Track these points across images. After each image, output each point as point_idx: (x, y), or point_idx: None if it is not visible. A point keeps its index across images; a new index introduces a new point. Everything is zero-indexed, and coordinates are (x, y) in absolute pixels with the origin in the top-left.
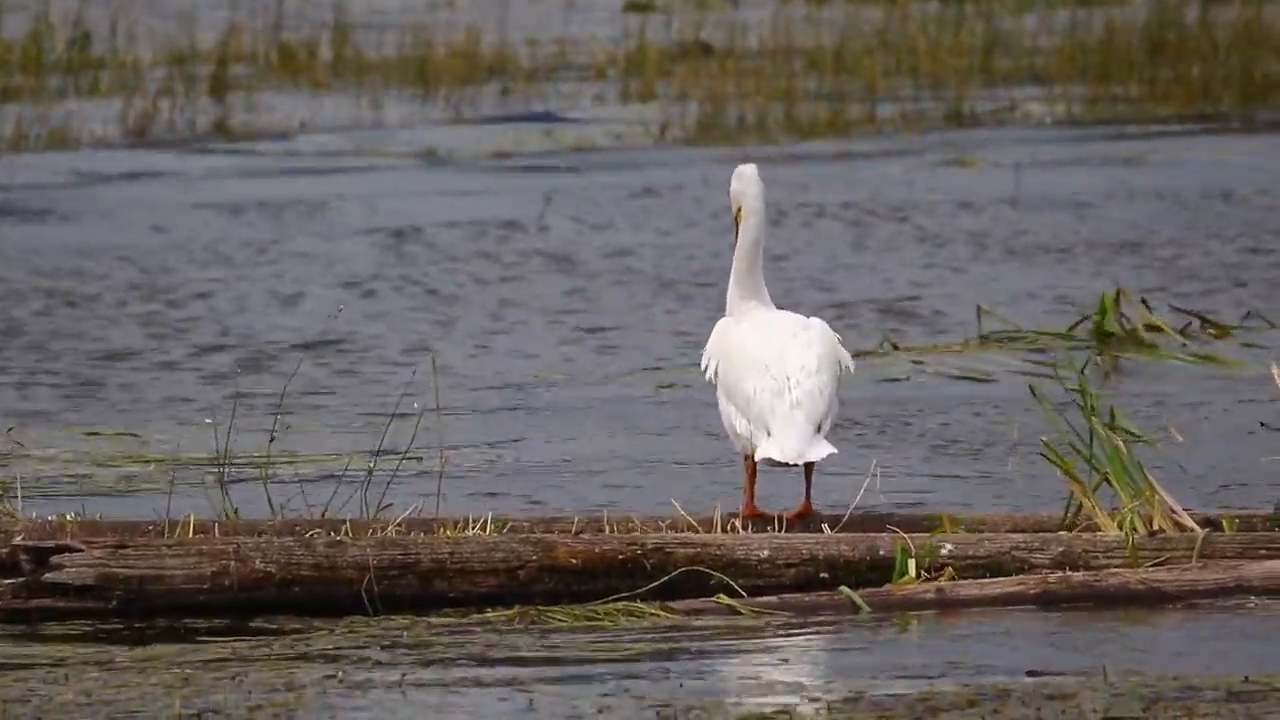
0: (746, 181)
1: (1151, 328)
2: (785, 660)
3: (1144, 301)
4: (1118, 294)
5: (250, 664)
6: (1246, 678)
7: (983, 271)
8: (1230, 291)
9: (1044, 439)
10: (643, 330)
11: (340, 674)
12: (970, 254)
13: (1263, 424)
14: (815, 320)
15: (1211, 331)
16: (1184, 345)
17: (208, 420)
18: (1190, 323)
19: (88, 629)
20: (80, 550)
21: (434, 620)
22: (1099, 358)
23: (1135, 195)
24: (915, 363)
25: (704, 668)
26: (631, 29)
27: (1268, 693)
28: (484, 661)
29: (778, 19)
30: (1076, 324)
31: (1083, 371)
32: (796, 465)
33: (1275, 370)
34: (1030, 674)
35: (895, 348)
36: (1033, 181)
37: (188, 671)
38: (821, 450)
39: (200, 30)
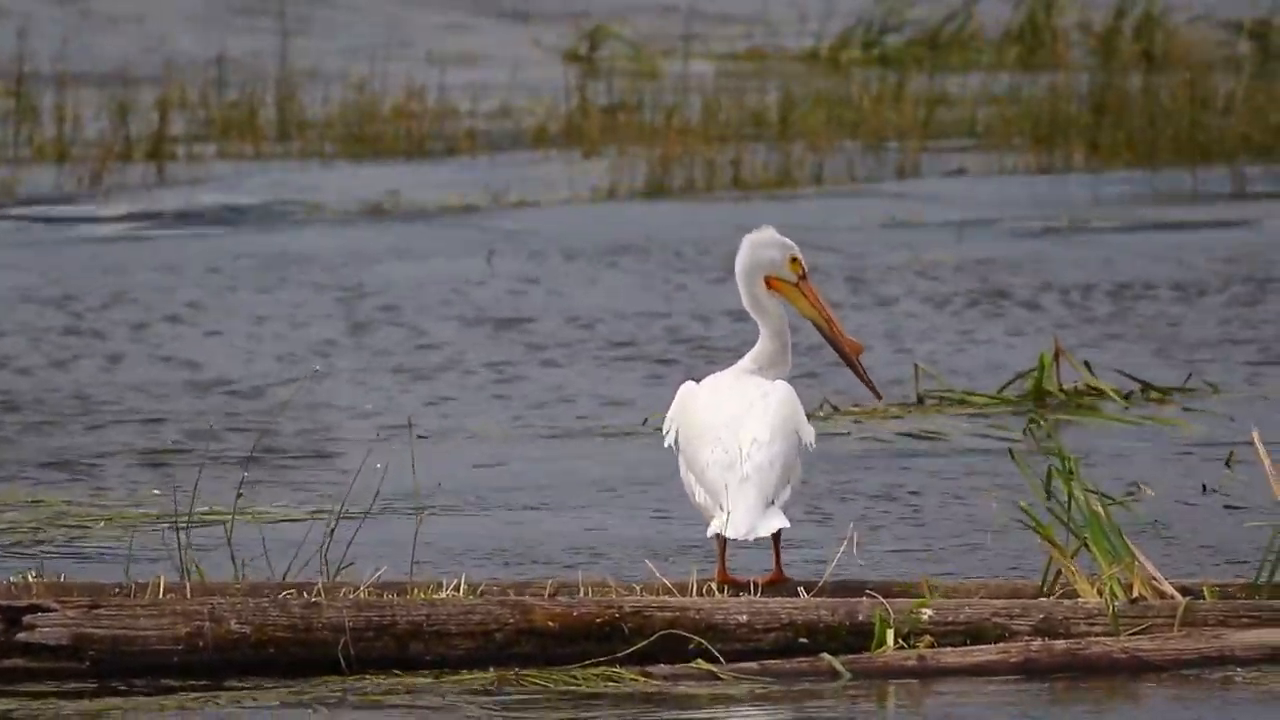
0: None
1: (1092, 390)
2: None
3: (1086, 365)
4: (1056, 353)
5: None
6: None
7: (924, 330)
8: (1171, 354)
9: (1022, 504)
10: (592, 389)
11: None
12: (912, 312)
13: (1207, 487)
14: (780, 385)
15: (1153, 397)
16: (1125, 408)
17: (155, 491)
18: (1131, 391)
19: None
20: (54, 610)
21: (407, 681)
22: (1039, 418)
23: (1077, 255)
24: (856, 423)
25: None
26: (572, 84)
27: None
28: None
29: (720, 76)
30: (1009, 383)
31: (1030, 432)
32: (748, 541)
33: (1256, 435)
34: None
35: (835, 410)
36: (976, 241)
37: None
38: (773, 524)
39: (141, 86)
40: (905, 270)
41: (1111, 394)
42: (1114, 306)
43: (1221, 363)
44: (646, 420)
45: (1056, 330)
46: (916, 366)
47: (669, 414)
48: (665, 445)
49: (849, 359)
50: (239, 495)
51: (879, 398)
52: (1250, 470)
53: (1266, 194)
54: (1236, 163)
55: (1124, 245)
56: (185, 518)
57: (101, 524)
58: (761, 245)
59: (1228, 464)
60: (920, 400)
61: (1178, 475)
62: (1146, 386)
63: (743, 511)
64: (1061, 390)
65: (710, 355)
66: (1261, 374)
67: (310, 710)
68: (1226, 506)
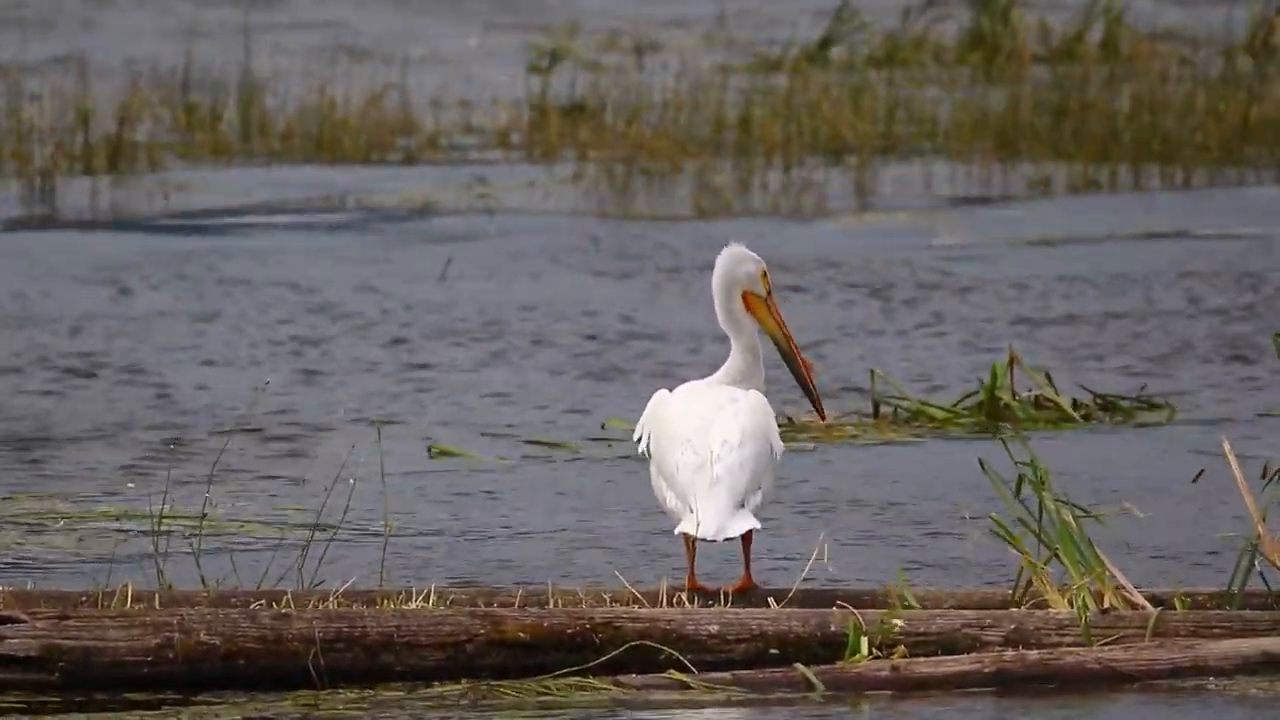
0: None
1: (1047, 401)
2: None
3: (1048, 376)
4: (1010, 362)
5: None
6: None
7: (883, 339)
8: (1128, 366)
9: (993, 515)
10: (554, 397)
11: None
12: (872, 321)
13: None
14: (752, 393)
15: (1109, 408)
16: (1077, 418)
17: (130, 484)
18: (1085, 403)
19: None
20: (24, 621)
21: (378, 693)
22: (995, 427)
23: (1037, 265)
24: (815, 438)
25: None
26: (534, 91)
27: None
28: None
29: (680, 84)
30: (969, 395)
31: (1003, 441)
32: (717, 541)
33: (1226, 444)
34: None
35: (790, 421)
36: (936, 249)
37: None
38: (742, 525)
39: (103, 89)
40: (863, 278)
41: (1066, 405)
42: (1072, 316)
43: (1179, 373)
44: (604, 425)
45: (1013, 339)
46: (873, 373)
47: (641, 420)
48: (638, 451)
49: (802, 377)
50: (203, 515)
51: (823, 418)
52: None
53: (1228, 203)
54: (1196, 171)
55: (1084, 255)
56: (157, 518)
57: (60, 522)
58: (738, 260)
59: (1195, 480)
60: (876, 408)
61: (1140, 484)
62: (1100, 398)
63: (712, 512)
64: (1016, 400)
65: (673, 366)
66: (1220, 384)
67: None
68: (1188, 509)
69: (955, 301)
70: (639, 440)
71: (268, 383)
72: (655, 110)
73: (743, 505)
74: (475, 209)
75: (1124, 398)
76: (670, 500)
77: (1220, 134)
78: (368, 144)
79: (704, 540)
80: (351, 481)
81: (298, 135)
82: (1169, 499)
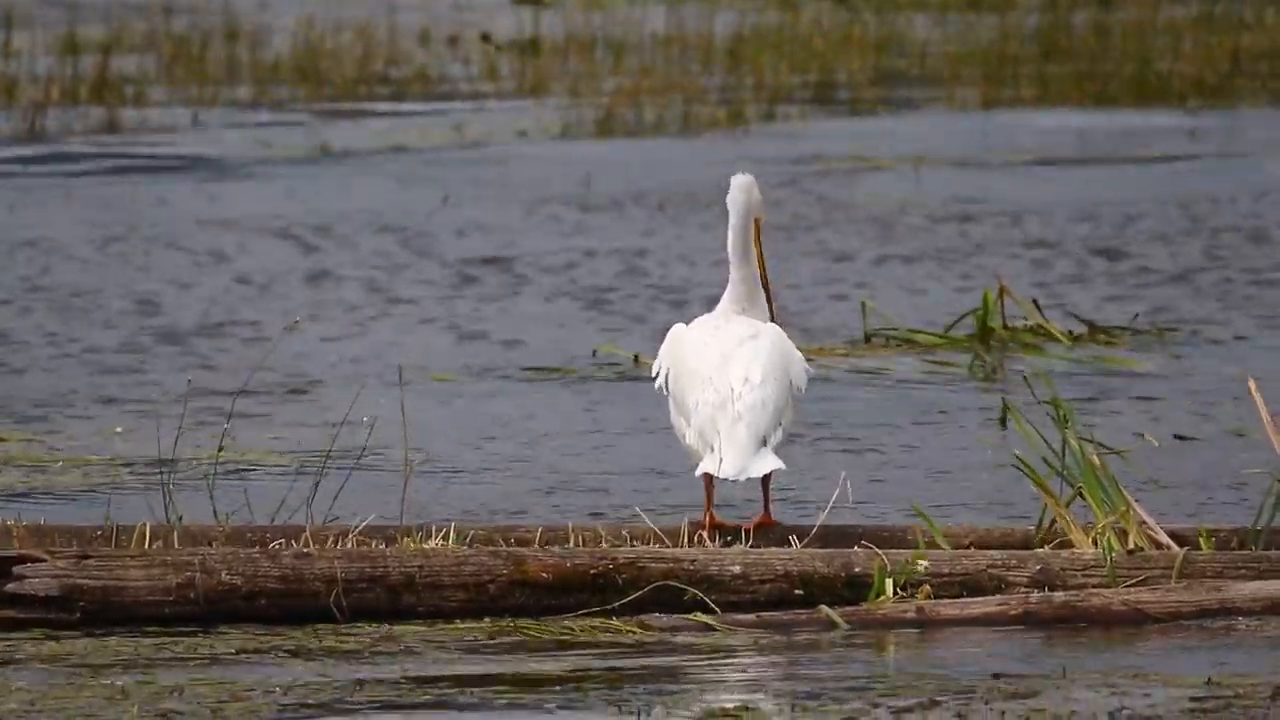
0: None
1: (1038, 329)
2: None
3: (1036, 304)
4: (1000, 290)
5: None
6: (1209, 679)
7: (875, 269)
8: (1120, 296)
9: (1017, 453)
10: (553, 329)
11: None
12: (862, 251)
13: (1177, 436)
14: (770, 327)
15: (1100, 337)
16: (1070, 347)
17: (118, 429)
18: (1079, 332)
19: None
20: (43, 560)
21: (400, 631)
22: (985, 357)
23: (1029, 194)
24: (810, 360)
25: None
26: (524, 24)
27: (1231, 698)
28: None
29: (671, 17)
30: (956, 321)
31: (974, 370)
32: (739, 481)
33: (1252, 383)
34: (995, 676)
35: None
36: (929, 181)
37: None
38: (765, 465)
39: (90, 23)
40: (857, 207)
41: (1058, 334)
42: (1064, 244)
43: (1174, 302)
44: (595, 351)
45: (1002, 267)
46: (864, 304)
47: (658, 355)
48: (655, 387)
49: (765, 288)
50: (220, 449)
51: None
52: (1212, 415)
53: (1219, 133)
54: (1187, 102)
55: (1076, 183)
56: (171, 444)
57: (59, 464)
58: (751, 188)
59: (1179, 437)
60: (867, 339)
61: (1134, 417)
62: (1094, 326)
63: (735, 452)
64: (1007, 328)
65: (669, 295)
66: (1210, 314)
67: (301, 660)
68: (1197, 443)
69: (945, 233)
70: (656, 376)
71: (298, 321)
72: (646, 43)
73: (764, 444)
74: (466, 145)
75: (1116, 326)
76: (690, 437)
77: (1211, 62)
78: (355, 79)
79: (725, 480)
80: (365, 418)
81: (285, 68)
82: (1173, 430)
